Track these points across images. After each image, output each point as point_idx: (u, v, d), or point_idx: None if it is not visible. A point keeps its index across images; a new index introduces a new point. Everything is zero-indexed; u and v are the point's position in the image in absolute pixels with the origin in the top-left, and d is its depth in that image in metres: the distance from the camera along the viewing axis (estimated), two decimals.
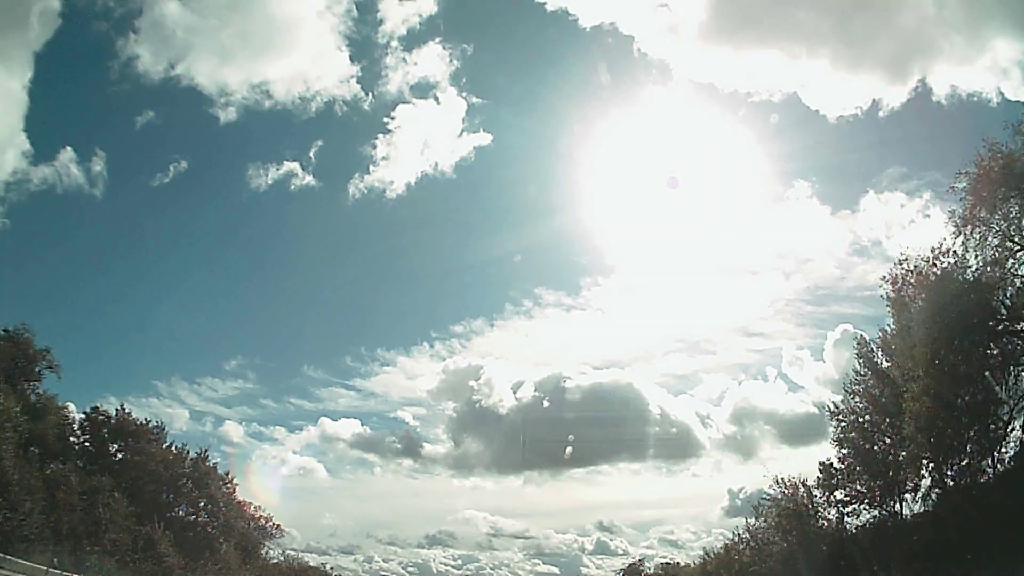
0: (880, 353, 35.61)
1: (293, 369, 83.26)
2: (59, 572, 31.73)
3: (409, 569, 70.97)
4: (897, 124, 70.63)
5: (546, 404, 63.89)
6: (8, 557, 29.04)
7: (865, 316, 74.40)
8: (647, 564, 64.92)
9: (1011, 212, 27.49)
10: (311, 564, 60.61)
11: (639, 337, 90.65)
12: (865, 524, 36.18)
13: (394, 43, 73.79)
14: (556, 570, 69.87)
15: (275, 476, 71.00)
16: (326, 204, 79.78)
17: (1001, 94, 59.93)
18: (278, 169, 72.76)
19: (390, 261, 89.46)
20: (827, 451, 36.95)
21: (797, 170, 75.35)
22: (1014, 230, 27.67)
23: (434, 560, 70.70)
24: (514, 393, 67.12)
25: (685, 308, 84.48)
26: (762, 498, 40.69)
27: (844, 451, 36.22)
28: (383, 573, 70.98)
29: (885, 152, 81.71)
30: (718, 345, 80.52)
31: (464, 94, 73.48)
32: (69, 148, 67.41)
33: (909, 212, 70.44)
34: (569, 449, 53.36)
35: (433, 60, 71.53)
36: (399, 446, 71.52)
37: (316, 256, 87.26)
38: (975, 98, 62.99)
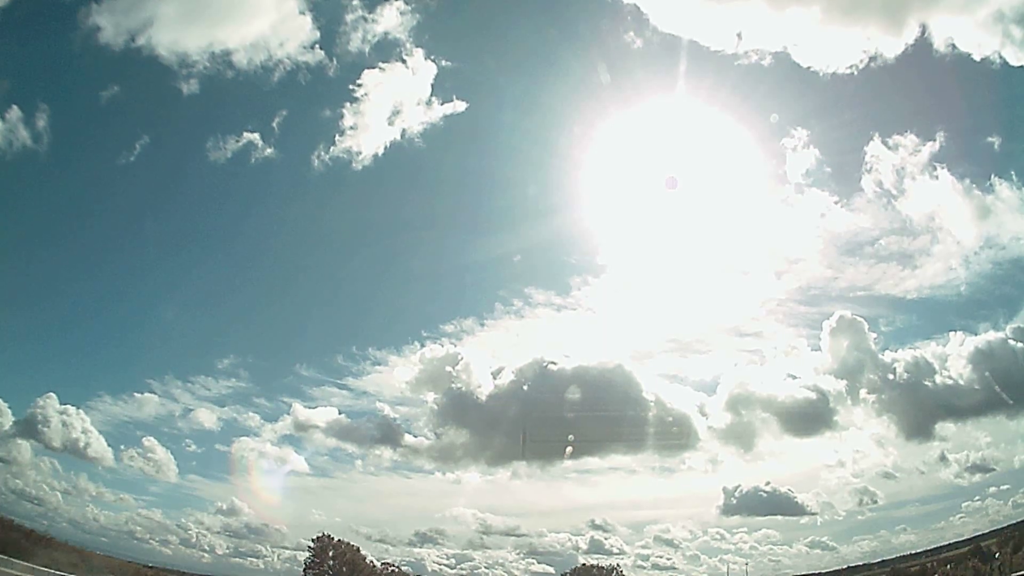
0: None
1: (286, 368, 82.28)
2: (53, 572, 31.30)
3: (403, 568, 70.30)
4: (893, 79, 69.14)
5: (526, 388, 62.38)
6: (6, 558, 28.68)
7: (859, 316, 74.31)
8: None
9: None
10: None
11: (631, 337, 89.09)
12: None
13: (355, 2, 73.06)
14: (551, 569, 69.30)
15: (277, 475, 70.29)
16: (292, 175, 78.47)
17: (1001, 57, 59.75)
18: (237, 141, 71.41)
19: (380, 257, 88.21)
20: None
21: (788, 135, 72.27)
22: None
23: (427, 559, 69.97)
24: (494, 379, 65.71)
25: (677, 307, 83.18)
26: None
27: None
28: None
29: (882, 112, 78.36)
30: (711, 345, 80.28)
31: (433, 56, 71.67)
32: (34, 127, 65.48)
33: (912, 171, 69.82)
34: (558, 440, 52.08)
35: (395, 17, 70.57)
36: (378, 435, 70.56)
37: (303, 250, 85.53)
38: (974, 56, 62.68)
